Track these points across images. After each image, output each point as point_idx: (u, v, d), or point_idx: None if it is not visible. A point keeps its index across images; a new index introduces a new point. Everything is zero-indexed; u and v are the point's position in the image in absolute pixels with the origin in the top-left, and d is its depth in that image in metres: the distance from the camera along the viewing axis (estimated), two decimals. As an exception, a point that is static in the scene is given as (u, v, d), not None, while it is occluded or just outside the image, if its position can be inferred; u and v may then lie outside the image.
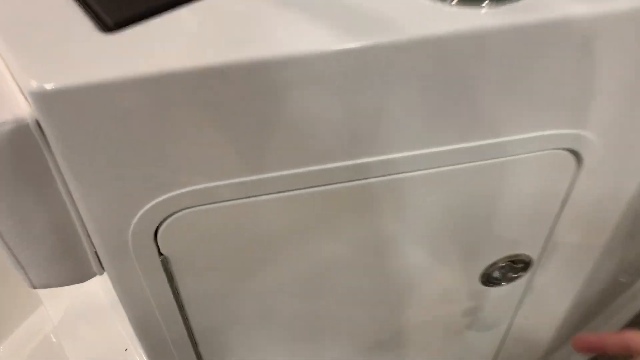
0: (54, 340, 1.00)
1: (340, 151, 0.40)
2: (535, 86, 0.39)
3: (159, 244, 0.42)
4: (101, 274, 0.46)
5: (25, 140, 0.32)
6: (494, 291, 0.63)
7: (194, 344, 0.55)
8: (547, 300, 0.69)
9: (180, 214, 0.40)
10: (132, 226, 0.39)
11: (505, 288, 0.63)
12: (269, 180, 0.40)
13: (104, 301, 1.00)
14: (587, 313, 0.95)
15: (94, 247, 0.42)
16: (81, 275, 0.43)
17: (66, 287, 0.44)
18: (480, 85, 0.38)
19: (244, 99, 0.34)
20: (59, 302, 1.03)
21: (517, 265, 0.59)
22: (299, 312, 0.58)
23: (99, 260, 0.44)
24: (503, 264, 0.59)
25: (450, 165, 0.44)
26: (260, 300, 0.54)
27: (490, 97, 0.39)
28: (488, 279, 0.61)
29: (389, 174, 0.43)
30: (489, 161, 0.44)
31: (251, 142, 0.37)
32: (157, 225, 0.40)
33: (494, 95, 0.39)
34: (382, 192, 0.45)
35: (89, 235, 0.40)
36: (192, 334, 0.54)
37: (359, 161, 0.41)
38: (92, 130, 0.32)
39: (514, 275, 0.61)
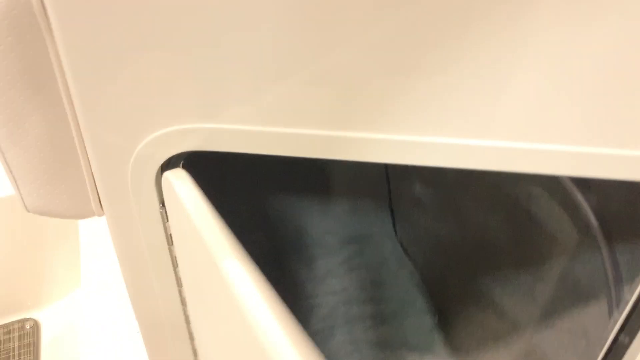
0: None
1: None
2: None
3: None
4: (100, 215, 0.42)
5: (25, 20, 0.29)
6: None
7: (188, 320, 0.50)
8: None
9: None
10: (134, 155, 0.35)
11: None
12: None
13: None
14: None
15: (94, 182, 0.39)
16: (77, 208, 0.40)
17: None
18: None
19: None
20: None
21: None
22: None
23: (99, 199, 0.40)
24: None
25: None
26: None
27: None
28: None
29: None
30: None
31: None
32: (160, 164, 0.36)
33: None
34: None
35: (89, 162, 0.37)
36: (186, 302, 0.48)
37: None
38: (101, 19, 0.29)
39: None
